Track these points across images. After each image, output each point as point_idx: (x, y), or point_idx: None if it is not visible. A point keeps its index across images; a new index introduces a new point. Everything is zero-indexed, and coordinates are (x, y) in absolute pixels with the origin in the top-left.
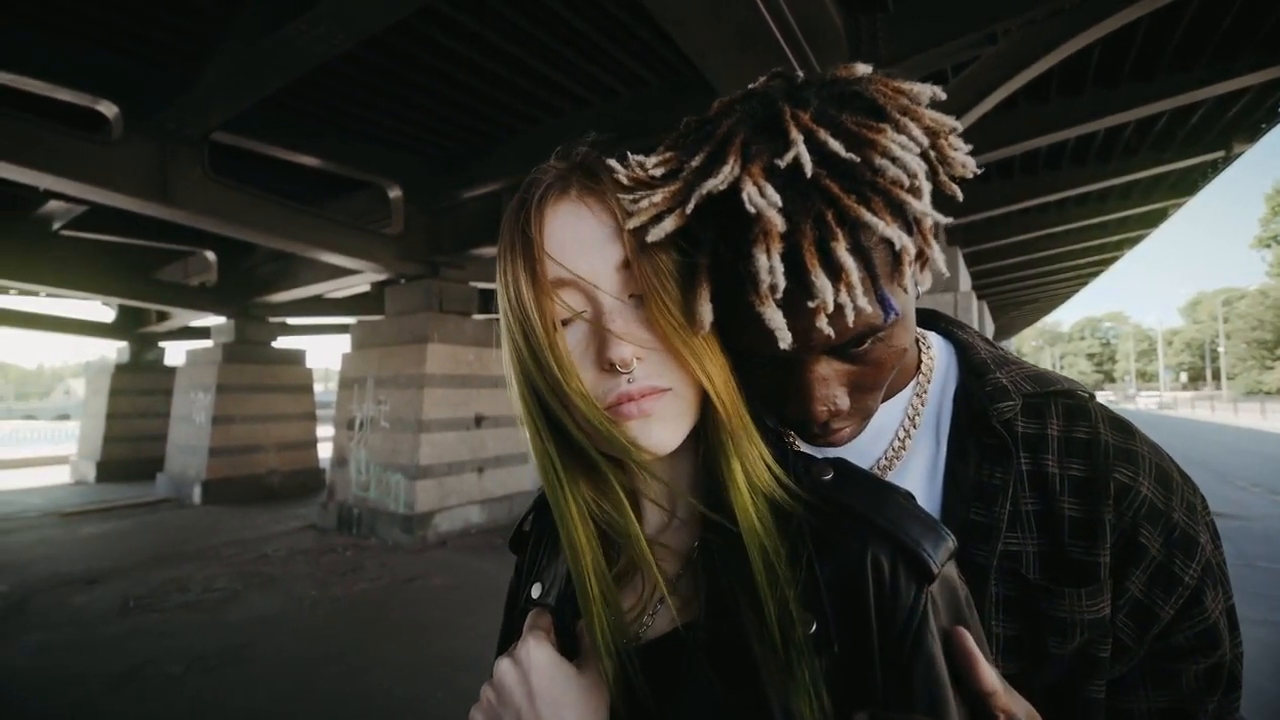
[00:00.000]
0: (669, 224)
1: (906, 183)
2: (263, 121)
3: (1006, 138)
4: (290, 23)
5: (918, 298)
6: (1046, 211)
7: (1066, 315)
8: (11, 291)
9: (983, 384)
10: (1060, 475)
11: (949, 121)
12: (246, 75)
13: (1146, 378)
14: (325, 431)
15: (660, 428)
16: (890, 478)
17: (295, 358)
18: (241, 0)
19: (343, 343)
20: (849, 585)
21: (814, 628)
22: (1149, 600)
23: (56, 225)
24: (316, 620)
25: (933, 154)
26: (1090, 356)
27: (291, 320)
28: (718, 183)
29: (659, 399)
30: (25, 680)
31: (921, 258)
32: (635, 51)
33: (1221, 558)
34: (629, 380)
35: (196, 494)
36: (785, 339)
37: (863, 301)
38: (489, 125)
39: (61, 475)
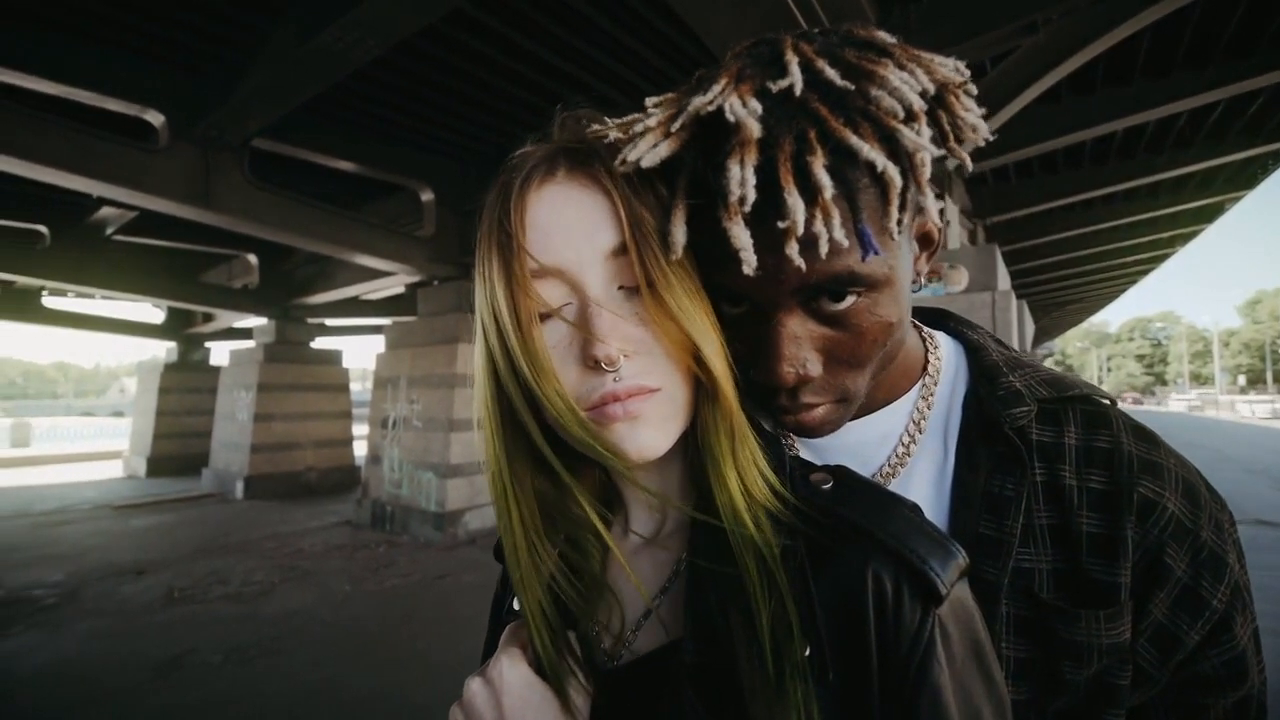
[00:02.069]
0: (663, 149)
1: (900, 114)
2: (300, 127)
3: (1049, 131)
4: (324, 30)
5: (919, 284)
6: (1092, 207)
7: (1114, 315)
8: (70, 294)
9: (994, 388)
10: (1079, 488)
11: (960, 76)
12: (283, 82)
13: (1201, 380)
14: (361, 430)
15: (648, 431)
16: (894, 486)
17: (332, 358)
18: (278, 10)
19: (378, 343)
20: (847, 606)
21: (807, 651)
22: (1173, 625)
23: (109, 230)
24: (349, 615)
25: (942, 114)
26: (1140, 358)
27: (329, 321)
28: (705, 100)
29: (647, 400)
30: (76, 665)
31: (909, 202)
32: (660, 49)
33: (1247, 579)
34: (615, 379)
35: (239, 489)
36: (750, 261)
37: (839, 232)
38: (516, 127)
39: (115, 470)
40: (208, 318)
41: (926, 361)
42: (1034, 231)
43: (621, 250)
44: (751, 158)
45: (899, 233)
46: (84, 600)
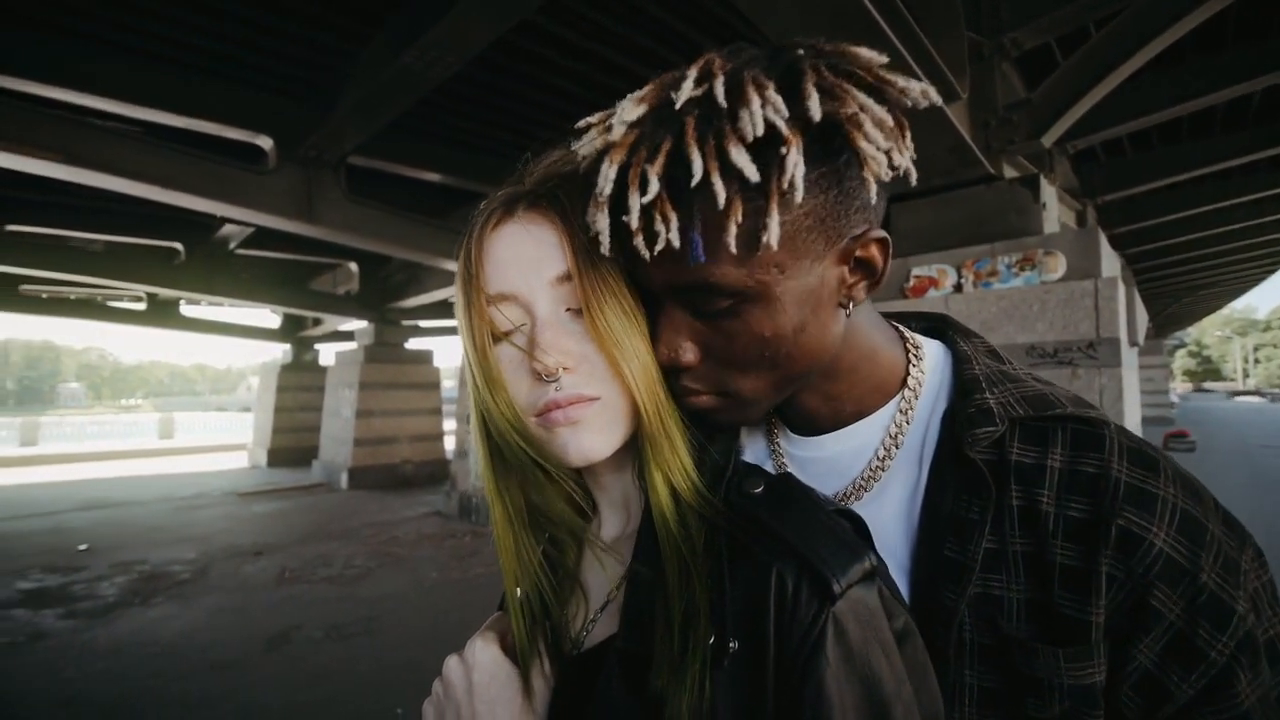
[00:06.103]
0: (599, 142)
1: (750, 137)
2: (390, 143)
3: (1169, 97)
4: (405, 51)
5: (847, 304)
6: (1229, 179)
7: (1261, 300)
8: (203, 302)
9: (966, 405)
10: (1056, 514)
11: (877, 59)
12: (372, 103)
13: None
14: (451, 425)
15: (589, 436)
16: (865, 501)
17: (425, 357)
18: (366, 39)
19: None
20: (753, 600)
21: (712, 640)
22: (1162, 674)
23: (232, 245)
24: (436, 600)
25: (890, 106)
26: None
27: (422, 323)
28: (630, 102)
29: (587, 407)
30: (202, 635)
31: (750, 217)
32: (728, 40)
33: (1277, 631)
34: (556, 388)
35: (344, 480)
36: (604, 244)
37: (673, 234)
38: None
39: (241, 460)
40: (316, 322)
41: (907, 375)
42: (1156, 209)
43: (568, 277)
44: (619, 158)
45: (737, 246)
46: (211, 577)
